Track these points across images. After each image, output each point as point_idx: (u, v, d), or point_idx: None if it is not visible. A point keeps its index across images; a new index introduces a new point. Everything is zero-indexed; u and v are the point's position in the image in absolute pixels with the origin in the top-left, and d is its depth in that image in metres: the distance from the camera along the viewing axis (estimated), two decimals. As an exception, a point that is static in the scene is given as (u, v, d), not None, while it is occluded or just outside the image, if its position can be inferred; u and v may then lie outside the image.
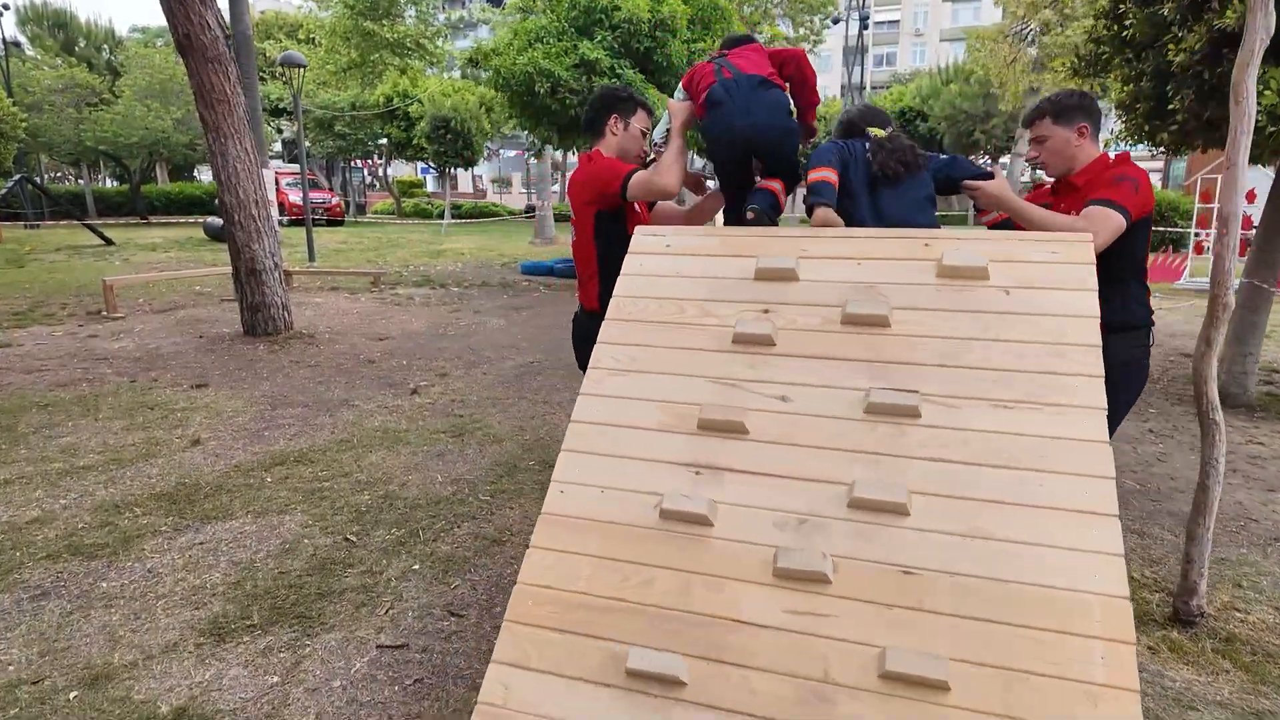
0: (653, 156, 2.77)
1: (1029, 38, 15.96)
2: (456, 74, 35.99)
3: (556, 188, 42.30)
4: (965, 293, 1.95)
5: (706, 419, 1.87)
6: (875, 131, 2.68)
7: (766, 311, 2.06)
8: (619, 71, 10.37)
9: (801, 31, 27.31)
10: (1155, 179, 32.38)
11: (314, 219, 21.94)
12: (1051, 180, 2.76)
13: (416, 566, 3.03)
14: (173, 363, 6.41)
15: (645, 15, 10.42)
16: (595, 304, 2.59)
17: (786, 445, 1.82)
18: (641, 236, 2.34)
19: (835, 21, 22.77)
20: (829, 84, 49.51)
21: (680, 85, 2.79)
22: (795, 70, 2.67)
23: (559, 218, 23.88)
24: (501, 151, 52.00)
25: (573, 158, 36.64)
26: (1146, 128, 6.18)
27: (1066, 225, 2.27)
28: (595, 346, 2.13)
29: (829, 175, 2.52)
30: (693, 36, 11.14)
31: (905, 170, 2.56)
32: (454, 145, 24.49)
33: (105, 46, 31.30)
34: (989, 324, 1.88)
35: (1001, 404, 1.74)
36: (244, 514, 3.48)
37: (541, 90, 10.35)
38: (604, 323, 2.16)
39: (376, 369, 6.30)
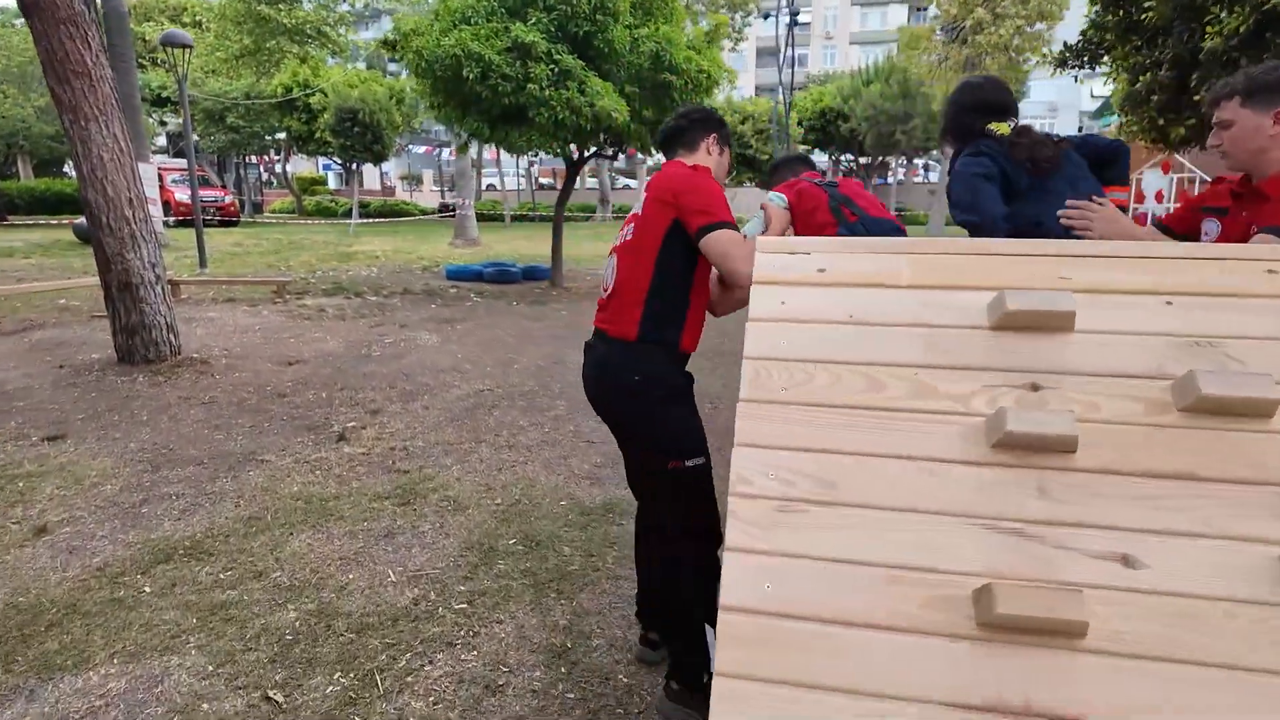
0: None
1: (961, 37, 15.89)
2: (362, 65, 33.92)
3: (499, 181, 40.57)
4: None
5: (1008, 615, 0.98)
6: (999, 128, 2.10)
7: (1035, 389, 1.19)
8: (556, 57, 9.38)
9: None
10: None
11: (205, 220, 19.90)
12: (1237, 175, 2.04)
13: (378, 742, 2.03)
14: (19, 404, 5.05)
15: (584, -4, 9.48)
16: (634, 333, 2.04)
17: (1170, 662, 0.96)
18: (773, 256, 1.43)
19: (766, 17, 22.36)
20: (744, 84, 49.60)
21: (778, 190, 2.38)
22: None
23: (482, 217, 22.56)
24: (411, 147, 49.81)
25: (495, 154, 35.20)
26: (1160, 121, 5.69)
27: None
28: (737, 454, 1.21)
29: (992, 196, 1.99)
30: (635, 22, 10.25)
31: (1058, 155, 2.03)
32: (362, 139, 22.81)
33: (-47, 25, 27.84)
34: None
35: None
36: (107, 658, 2.37)
37: (471, 75, 9.23)
38: (742, 409, 1.25)
39: (289, 405, 5.13)
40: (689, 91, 10.52)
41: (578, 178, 12.29)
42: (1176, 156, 12.72)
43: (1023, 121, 2.20)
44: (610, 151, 11.64)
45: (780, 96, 21.28)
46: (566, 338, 7.62)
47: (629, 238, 2.09)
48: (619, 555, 3.06)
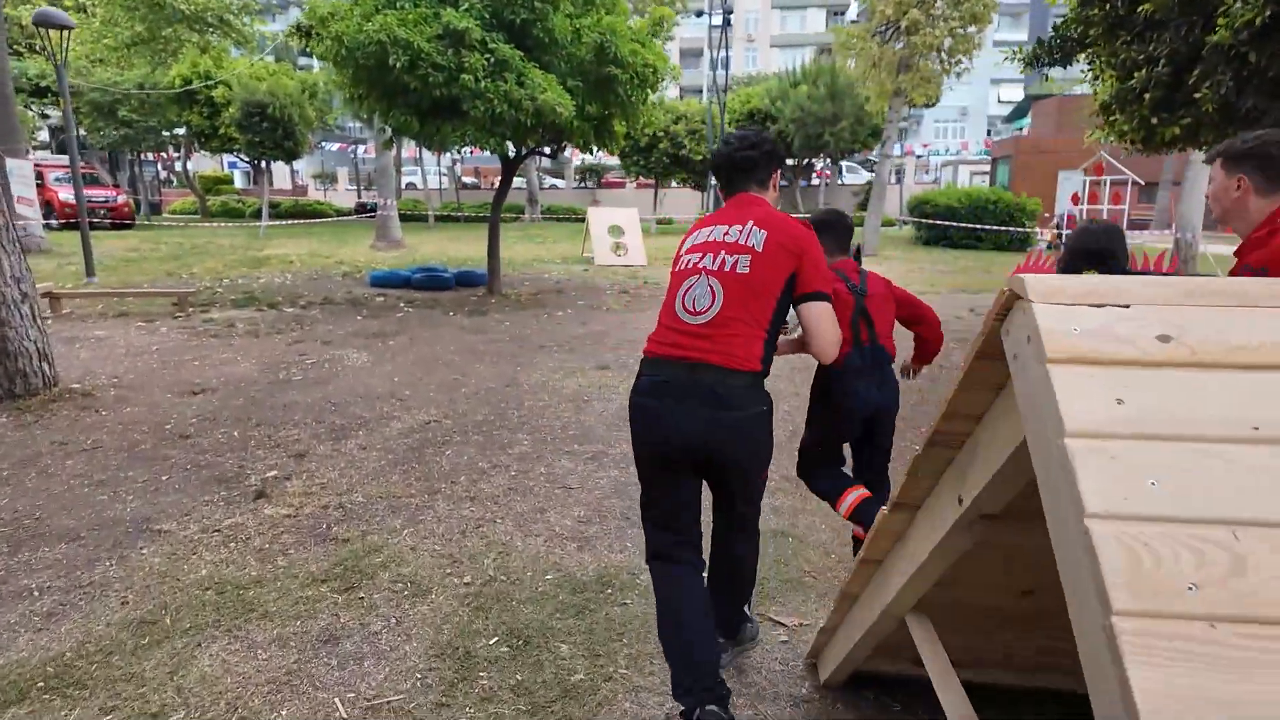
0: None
1: (896, 38, 15.84)
2: (271, 58, 31.98)
3: (420, 180, 38.88)
4: None
5: None
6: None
7: None
8: (492, 46, 8.63)
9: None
10: (981, 180, 34.74)
11: (95, 222, 18.09)
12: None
13: None
14: None
15: (521, -19, 8.76)
16: (758, 365, 2.04)
17: None
18: (1064, 309, 0.82)
19: (699, 14, 22.00)
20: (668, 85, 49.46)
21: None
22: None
23: (404, 218, 21.39)
24: (325, 144, 47.70)
25: (414, 151, 33.69)
26: (1153, 121, 5.40)
27: None
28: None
29: None
30: (576, 11, 9.60)
31: None
32: (271, 135, 21.28)
33: None
34: None
35: None
36: None
37: (398, 65, 8.39)
38: (1123, 630, 0.64)
39: (194, 450, 4.27)
40: (634, 86, 9.92)
41: (511, 177, 11.54)
42: (1107, 156, 12.98)
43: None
44: (550, 150, 10.94)
45: (714, 97, 20.93)
46: (517, 355, 6.90)
47: (743, 270, 2.03)
48: (632, 653, 2.42)
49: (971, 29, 15.59)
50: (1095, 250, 2.54)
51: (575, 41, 9.42)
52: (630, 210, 16.11)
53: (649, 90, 10.31)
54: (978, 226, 19.04)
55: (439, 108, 9.10)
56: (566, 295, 10.93)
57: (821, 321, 2.02)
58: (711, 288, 2.04)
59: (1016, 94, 60.13)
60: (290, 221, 27.35)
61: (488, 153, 10.97)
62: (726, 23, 19.18)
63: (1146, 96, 5.29)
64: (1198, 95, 4.84)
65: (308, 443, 4.40)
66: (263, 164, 23.25)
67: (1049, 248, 21.03)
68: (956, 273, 14.67)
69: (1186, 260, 13.46)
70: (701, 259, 2.10)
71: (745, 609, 2.40)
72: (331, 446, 4.35)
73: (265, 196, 22.98)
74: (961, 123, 62.21)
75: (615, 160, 42.66)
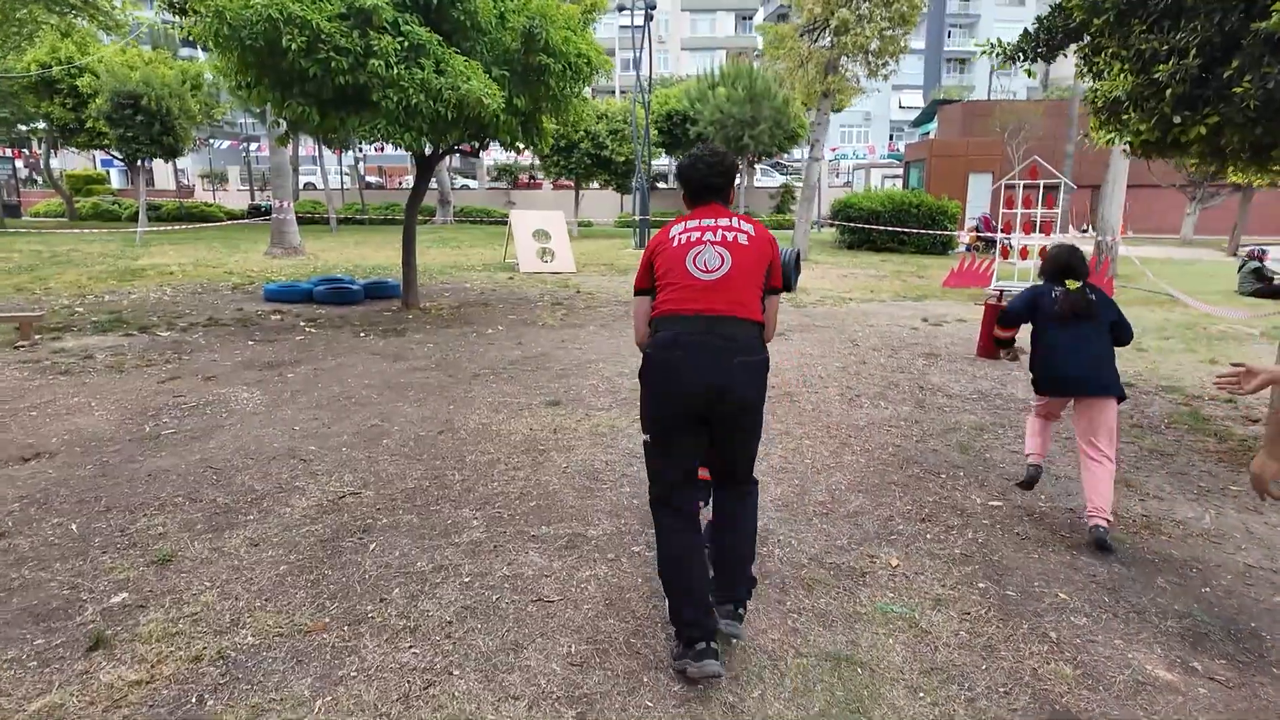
0: None
1: (824, 37, 15.42)
2: (147, 47, 29.16)
3: (320, 180, 36.56)
4: None
5: None
6: (1070, 285, 3.57)
7: None
8: (406, 28, 7.48)
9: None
10: (891, 183, 35.31)
11: (-71, 226, 15.62)
12: None
13: None
14: None
15: (437, -45, 7.65)
16: (759, 315, 2.44)
17: None
18: None
19: (620, 9, 21.13)
20: (582, 84, 48.48)
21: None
22: None
23: (302, 221, 19.61)
24: (214, 141, 44.49)
25: (312, 148, 31.46)
26: (1176, 120, 4.84)
27: None
28: None
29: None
30: (500, -9, 8.55)
31: (1090, 307, 3.50)
32: (148, 129, 19.12)
33: None
34: None
35: None
36: None
37: (293, 47, 7.13)
38: None
39: (6, 561, 3.06)
40: (567, 78, 8.96)
41: (428, 176, 10.34)
42: (1040, 160, 12.88)
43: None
44: (473, 147, 9.83)
45: (635, 96, 20.14)
46: (447, 388, 5.83)
47: (743, 242, 2.41)
48: None
49: (899, 30, 15.34)
50: (1068, 265, 3.60)
51: (500, 26, 8.37)
52: (556, 213, 15.09)
53: (582, 83, 9.36)
54: (901, 230, 18.97)
55: (344, 98, 7.87)
56: (494, 308, 9.85)
57: (777, 311, 2.58)
58: (720, 253, 2.39)
59: (916, 99, 62.25)
60: (173, 226, 24.92)
61: (398, 149, 9.77)
62: (649, 17, 18.40)
63: (1168, 92, 4.72)
64: (1237, 90, 4.28)
65: (176, 538, 3.25)
66: (139, 162, 20.92)
67: (968, 249, 21.28)
68: (889, 277, 14.35)
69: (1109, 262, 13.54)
70: (703, 235, 2.42)
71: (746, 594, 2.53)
72: (210, 543, 3.21)
73: (142, 198, 20.67)
74: (865, 127, 63.88)
75: (529, 159, 41.33)
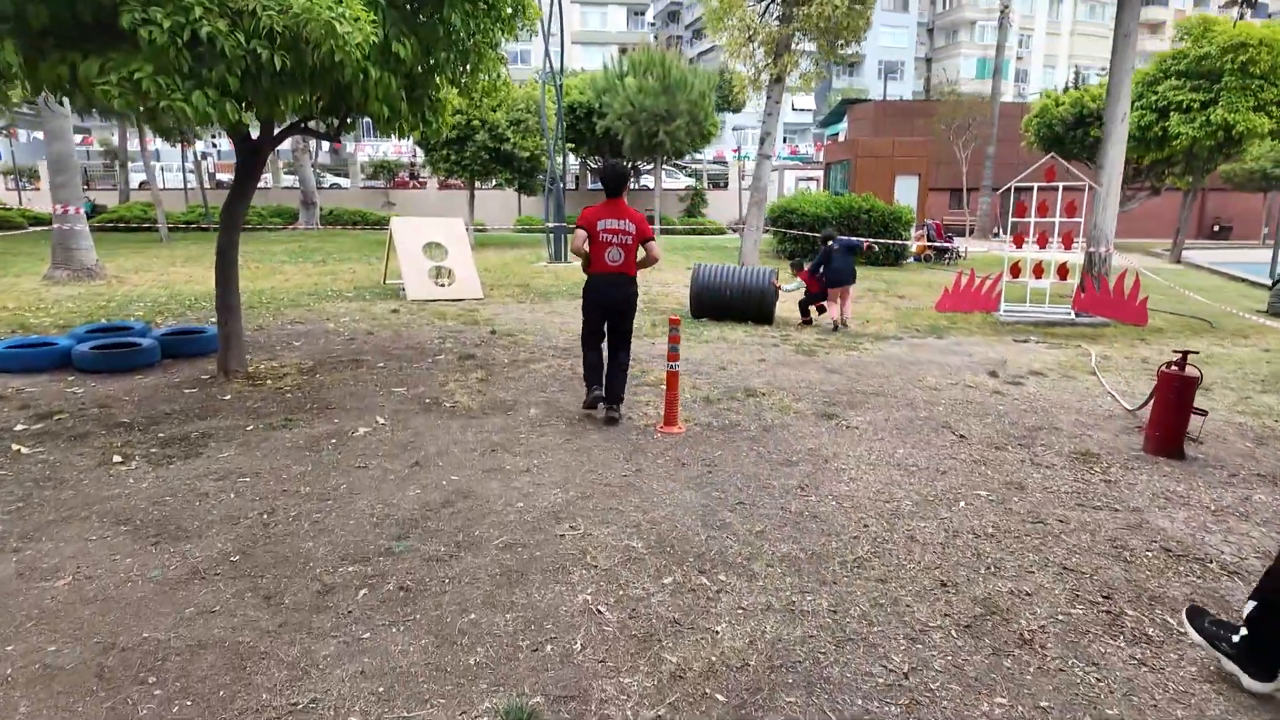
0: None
1: (780, 13, 12.78)
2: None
3: (160, 178, 31.14)
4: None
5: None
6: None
7: None
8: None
9: None
10: (810, 184, 33.50)
11: None
12: None
13: None
14: None
15: None
16: (635, 274, 5.24)
17: None
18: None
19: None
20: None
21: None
22: None
23: (133, 229, 15.12)
24: (24, 132, 37.83)
25: (147, 140, 26.09)
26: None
27: None
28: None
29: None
30: None
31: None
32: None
33: None
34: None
35: None
36: None
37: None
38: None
39: None
40: (479, 17, 5.73)
41: (263, 170, 6.76)
42: (1061, 161, 10.78)
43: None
44: (330, 126, 6.37)
45: (548, 77, 16.89)
46: (253, 645, 2.49)
47: (629, 242, 5.04)
48: None
49: (863, 5, 12.89)
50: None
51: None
52: (453, 220, 11.63)
53: (501, 29, 6.13)
54: (854, 239, 16.63)
55: (76, 30, 4.34)
56: (369, 371, 6.44)
57: (656, 248, 5.12)
58: (619, 248, 5.02)
59: (808, 102, 61.70)
60: (-58, 234, 19.54)
61: (215, 136, 6.18)
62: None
63: None
64: None
65: None
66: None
67: (916, 259, 19.34)
68: (865, 297, 11.80)
69: (1100, 275, 11.41)
70: (613, 237, 5.00)
71: (622, 395, 5.26)
72: None
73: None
74: (758, 129, 62.89)
75: (410, 153, 36.90)
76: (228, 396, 5.62)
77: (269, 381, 6.04)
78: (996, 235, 31.60)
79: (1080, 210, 10.48)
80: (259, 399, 5.57)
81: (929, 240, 18.81)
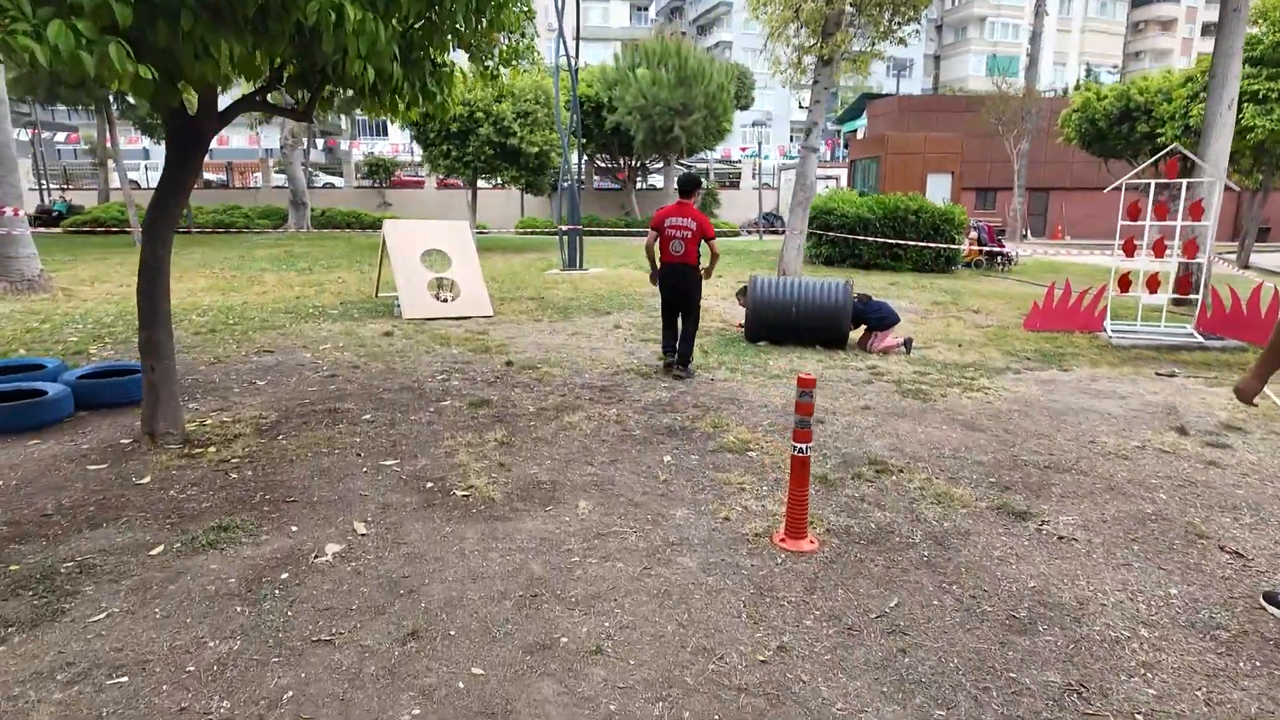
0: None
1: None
2: None
3: (140, 179, 29.45)
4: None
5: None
6: None
7: None
8: None
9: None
10: (831, 183, 31.84)
11: None
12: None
13: None
14: None
15: None
16: (696, 263, 6.21)
17: None
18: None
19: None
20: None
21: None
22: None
23: (107, 232, 13.39)
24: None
25: (135, 138, 24.34)
26: None
27: None
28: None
29: None
30: None
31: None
32: None
33: None
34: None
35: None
36: None
37: None
38: None
39: None
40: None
41: (196, 153, 5.10)
42: (1186, 152, 9.15)
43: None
44: (298, 102, 4.71)
45: (550, 73, 15.25)
46: None
47: (689, 236, 6.02)
48: None
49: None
50: None
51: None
52: (457, 224, 9.94)
53: (508, 22, 4.51)
54: (899, 242, 14.99)
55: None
56: (349, 427, 4.75)
57: (715, 246, 6.14)
58: (681, 241, 6.01)
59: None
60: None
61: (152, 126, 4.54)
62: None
63: None
64: None
65: None
66: None
67: (965, 265, 17.67)
68: (932, 312, 10.13)
69: (1202, 285, 9.72)
70: (677, 232, 6.01)
71: (690, 359, 6.29)
72: None
73: None
74: (766, 128, 61.24)
75: (406, 148, 35.19)
76: (145, 479, 3.93)
77: (210, 450, 4.36)
78: (1025, 237, 30.02)
79: (1209, 213, 8.80)
80: (189, 483, 3.89)
81: (980, 244, 17.12)
